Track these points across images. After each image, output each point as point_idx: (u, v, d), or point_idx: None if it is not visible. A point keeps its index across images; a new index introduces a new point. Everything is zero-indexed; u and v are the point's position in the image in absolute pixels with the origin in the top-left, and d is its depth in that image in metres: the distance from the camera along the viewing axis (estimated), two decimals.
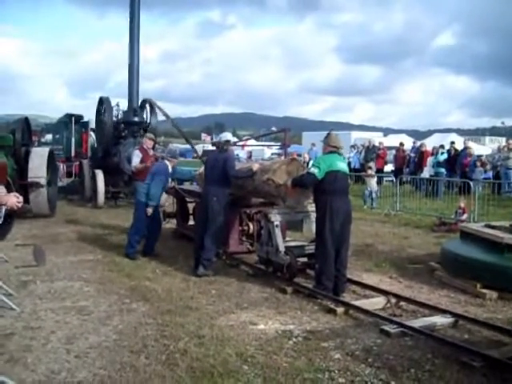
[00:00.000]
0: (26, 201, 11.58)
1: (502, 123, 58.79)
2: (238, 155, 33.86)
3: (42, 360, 4.73)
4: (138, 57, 16.73)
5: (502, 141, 35.02)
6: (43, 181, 12.88)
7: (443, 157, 19.16)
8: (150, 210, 8.90)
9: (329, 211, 6.77)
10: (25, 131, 14.30)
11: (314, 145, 27.21)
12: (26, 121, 14.71)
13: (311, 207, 7.56)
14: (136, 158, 10.46)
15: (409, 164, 22.13)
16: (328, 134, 7.45)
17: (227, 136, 8.48)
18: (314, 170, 6.91)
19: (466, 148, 20.31)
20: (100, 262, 8.70)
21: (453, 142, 21.70)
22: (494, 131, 62.59)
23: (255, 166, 8.24)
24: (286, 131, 10.92)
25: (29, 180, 12.80)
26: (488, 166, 19.23)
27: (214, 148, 9.19)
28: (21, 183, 12.51)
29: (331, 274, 6.81)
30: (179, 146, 52.27)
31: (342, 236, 6.89)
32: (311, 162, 12.63)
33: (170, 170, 9.31)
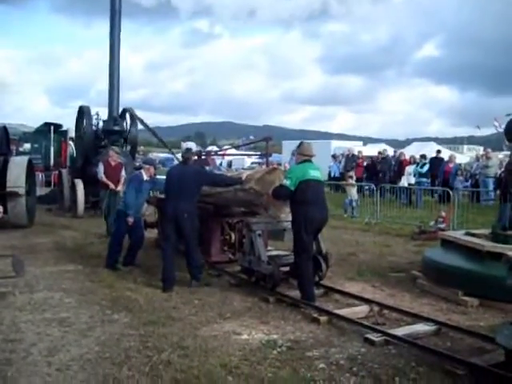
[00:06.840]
0: (5, 211, 11.39)
1: (477, 127, 59.54)
2: (221, 163, 33.67)
3: (22, 373, 4.64)
4: (119, 66, 16.66)
5: (480, 149, 35.52)
6: (22, 190, 12.67)
7: (426, 168, 19.20)
8: (130, 220, 8.78)
9: (303, 220, 6.80)
10: (3, 140, 14.08)
11: (294, 154, 27.29)
12: (4, 129, 14.50)
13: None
14: (100, 168, 12.13)
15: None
16: (300, 143, 7.49)
17: (188, 144, 8.29)
18: (286, 182, 6.90)
19: (449, 157, 20.69)
20: (80, 272, 8.59)
21: (439, 151, 21.94)
22: (471, 140, 63.44)
23: (244, 175, 8.18)
24: (267, 140, 10.85)
25: (7, 190, 12.60)
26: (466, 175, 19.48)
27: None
28: None
29: (313, 281, 6.97)
30: (159, 155, 52.29)
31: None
32: None
33: (146, 177, 9.04)
